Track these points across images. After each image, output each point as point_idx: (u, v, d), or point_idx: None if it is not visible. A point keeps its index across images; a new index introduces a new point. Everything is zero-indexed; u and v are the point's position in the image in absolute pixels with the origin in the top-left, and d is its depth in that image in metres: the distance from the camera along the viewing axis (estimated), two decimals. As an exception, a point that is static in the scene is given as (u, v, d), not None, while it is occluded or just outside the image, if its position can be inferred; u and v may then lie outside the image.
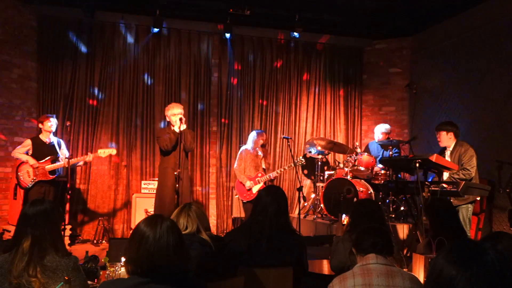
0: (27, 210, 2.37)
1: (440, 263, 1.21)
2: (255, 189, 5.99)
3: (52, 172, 5.65)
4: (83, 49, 7.02)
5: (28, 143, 5.70)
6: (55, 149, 5.76)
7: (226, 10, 6.83)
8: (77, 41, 6.98)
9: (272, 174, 6.17)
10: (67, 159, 5.53)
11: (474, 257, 1.18)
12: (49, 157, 5.64)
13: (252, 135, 6.31)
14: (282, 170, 6.63)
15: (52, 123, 5.74)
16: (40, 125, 5.78)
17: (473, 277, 1.14)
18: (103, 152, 5.73)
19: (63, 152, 5.87)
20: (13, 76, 6.60)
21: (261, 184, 6.02)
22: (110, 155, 5.98)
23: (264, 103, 7.74)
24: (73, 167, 5.78)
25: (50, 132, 5.74)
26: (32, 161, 5.55)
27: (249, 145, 6.28)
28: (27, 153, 5.64)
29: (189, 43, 7.46)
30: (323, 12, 7.15)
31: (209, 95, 7.52)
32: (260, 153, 6.26)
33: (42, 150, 5.67)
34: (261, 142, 6.24)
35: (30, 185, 5.56)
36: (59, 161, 5.70)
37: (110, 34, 7.15)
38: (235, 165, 6.27)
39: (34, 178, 5.54)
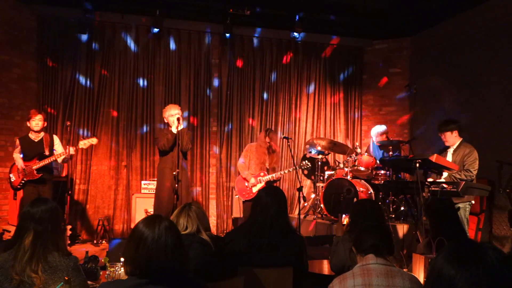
0: (31, 208, 2.36)
1: (440, 263, 1.21)
2: (256, 188, 5.93)
3: (39, 170, 5.50)
4: (83, 49, 7.02)
5: (17, 143, 5.66)
6: (43, 145, 5.64)
7: (226, 10, 6.82)
8: (77, 41, 6.98)
9: (276, 175, 6.06)
10: (58, 155, 5.48)
11: (473, 257, 1.18)
12: (35, 157, 5.53)
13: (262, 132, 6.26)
14: (286, 172, 6.46)
15: (37, 122, 5.56)
16: (27, 123, 5.66)
17: (473, 277, 1.14)
18: (83, 144, 5.62)
19: (58, 148, 5.77)
20: (13, 76, 6.60)
21: (262, 184, 5.96)
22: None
23: (264, 103, 7.74)
24: (65, 161, 5.71)
25: (35, 131, 5.60)
26: (19, 163, 5.50)
27: (257, 141, 6.26)
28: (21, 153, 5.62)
29: (189, 43, 7.46)
30: (323, 13, 7.14)
31: (209, 95, 7.52)
32: (268, 152, 6.09)
33: (31, 148, 5.59)
34: (267, 139, 6.06)
35: (20, 186, 5.55)
36: (46, 156, 5.56)
37: (110, 34, 7.15)
38: (240, 161, 6.20)
39: (24, 179, 5.51)
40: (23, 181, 5.51)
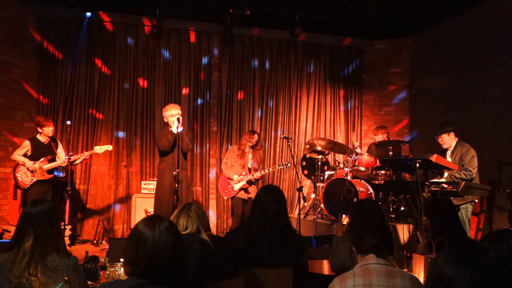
0: (30, 209, 2.36)
1: (440, 263, 1.21)
2: (237, 186, 6.11)
3: (50, 171, 5.65)
4: (83, 49, 7.02)
5: (26, 144, 5.70)
6: (53, 148, 5.77)
7: (226, 10, 6.83)
8: (77, 41, 6.98)
9: (256, 174, 6.20)
10: (67, 158, 5.52)
11: (473, 257, 1.18)
12: (45, 157, 5.63)
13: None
14: (267, 171, 6.59)
15: (52, 129, 5.77)
16: (39, 129, 5.73)
17: (473, 276, 1.14)
18: (99, 149, 5.76)
19: (60, 152, 5.86)
20: (13, 76, 6.60)
21: (243, 182, 6.10)
22: (107, 151, 6.03)
23: (264, 103, 7.74)
24: (71, 164, 5.76)
25: (48, 136, 5.75)
26: (28, 163, 5.56)
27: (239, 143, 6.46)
28: (25, 155, 5.65)
29: (189, 43, 7.46)
30: (323, 12, 7.14)
31: (209, 95, 7.52)
32: (248, 152, 6.26)
33: (41, 150, 5.69)
34: (249, 143, 6.23)
35: (28, 186, 5.57)
36: (56, 160, 5.68)
37: (110, 34, 7.15)
38: (223, 162, 6.42)
39: (32, 178, 5.54)
40: (31, 181, 5.55)
